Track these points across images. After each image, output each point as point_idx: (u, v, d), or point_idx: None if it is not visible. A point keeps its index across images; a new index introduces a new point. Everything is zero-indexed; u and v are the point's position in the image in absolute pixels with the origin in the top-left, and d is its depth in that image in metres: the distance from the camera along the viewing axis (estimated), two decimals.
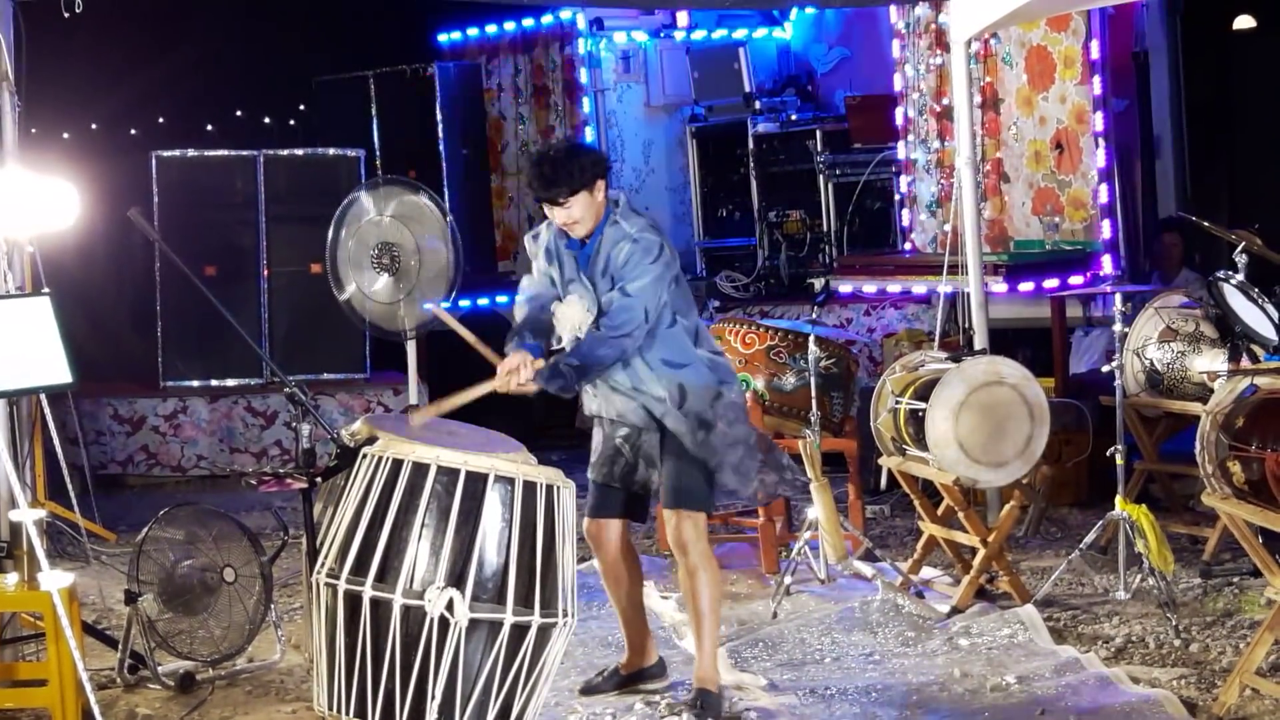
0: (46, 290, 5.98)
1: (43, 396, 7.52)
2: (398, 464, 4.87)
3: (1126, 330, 6.99)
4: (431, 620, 4.73)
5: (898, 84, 10.61)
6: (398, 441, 4.95)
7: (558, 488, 4.97)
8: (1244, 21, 9.97)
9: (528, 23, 12.29)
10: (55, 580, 5.32)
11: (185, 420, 10.62)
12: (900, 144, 10.64)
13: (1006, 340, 8.79)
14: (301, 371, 9.99)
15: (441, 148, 11.91)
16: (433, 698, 4.74)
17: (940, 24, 10.05)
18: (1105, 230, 9.47)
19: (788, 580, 6.93)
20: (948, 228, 8.80)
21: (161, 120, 12.37)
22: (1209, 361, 7.14)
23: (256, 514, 8.66)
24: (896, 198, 10.84)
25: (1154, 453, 7.64)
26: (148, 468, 10.60)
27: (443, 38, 12.95)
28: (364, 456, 4.96)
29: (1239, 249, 6.89)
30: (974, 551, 6.86)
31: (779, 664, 6.16)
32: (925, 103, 10.42)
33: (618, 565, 5.76)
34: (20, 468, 6.57)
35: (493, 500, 4.83)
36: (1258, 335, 6.81)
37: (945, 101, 10.07)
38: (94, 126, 12.08)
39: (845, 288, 10.48)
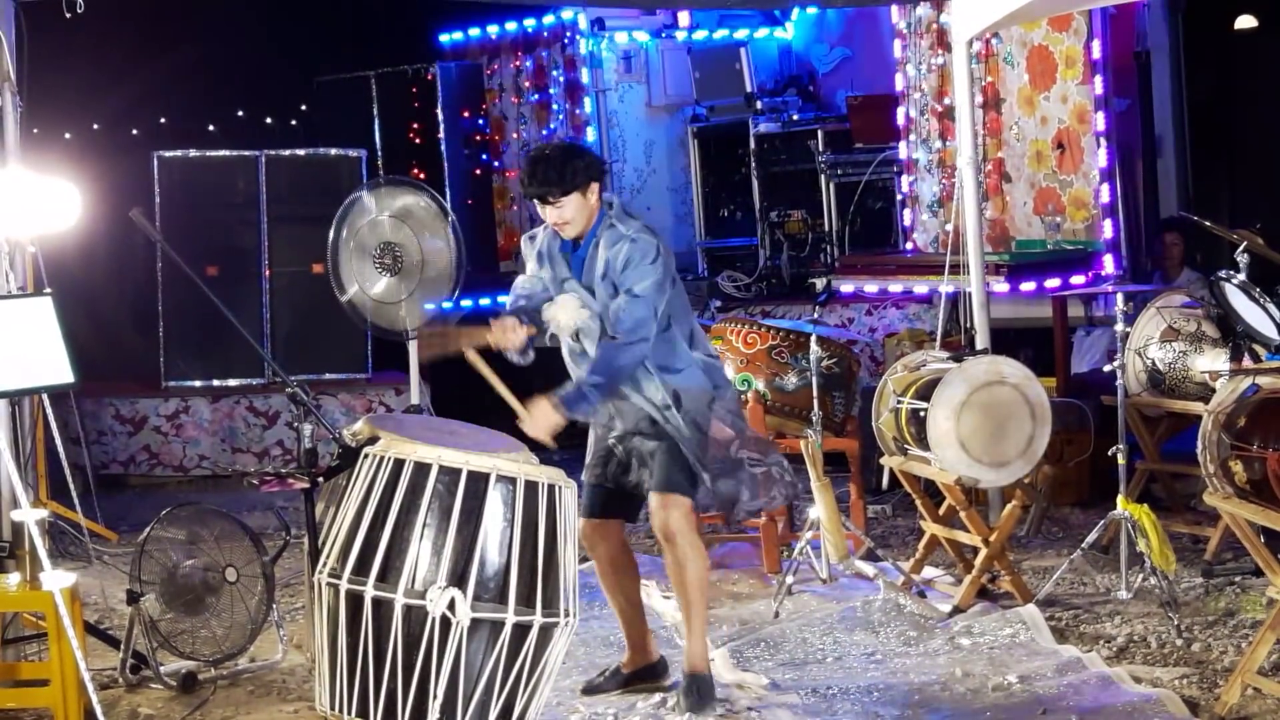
0: (48, 290, 5.98)
1: (45, 396, 7.52)
2: (399, 464, 4.87)
3: (1128, 330, 6.99)
4: (433, 620, 4.73)
5: (899, 84, 10.61)
6: (399, 441, 4.95)
7: (559, 487, 4.97)
8: (1245, 21, 9.97)
9: (529, 23, 12.30)
10: (57, 580, 5.33)
11: (187, 420, 10.63)
12: (902, 144, 10.64)
13: (1008, 340, 8.79)
14: (303, 371, 9.99)
15: (443, 148, 11.92)
16: (435, 697, 4.74)
17: (941, 24, 10.05)
18: (1107, 230, 9.47)
19: (790, 580, 6.93)
20: (949, 227, 8.79)
21: (163, 120, 12.38)
22: (1211, 361, 7.15)
23: (258, 514, 8.67)
24: (898, 197, 10.84)
25: (1156, 452, 7.64)
26: (150, 467, 10.61)
27: (444, 38, 12.96)
28: (366, 456, 4.96)
29: (1240, 248, 6.88)
30: (976, 551, 6.86)
31: (781, 663, 6.17)
32: (927, 102, 10.42)
33: (614, 565, 5.76)
34: (22, 467, 6.57)
35: (494, 500, 4.83)
36: (1259, 335, 6.81)
37: (947, 101, 10.07)
38: (96, 127, 12.09)
39: (847, 287, 10.48)
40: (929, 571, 7.35)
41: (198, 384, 10.74)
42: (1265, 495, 5.30)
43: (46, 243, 7.05)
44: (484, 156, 12.54)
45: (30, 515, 5.61)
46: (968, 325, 8.39)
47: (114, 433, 10.59)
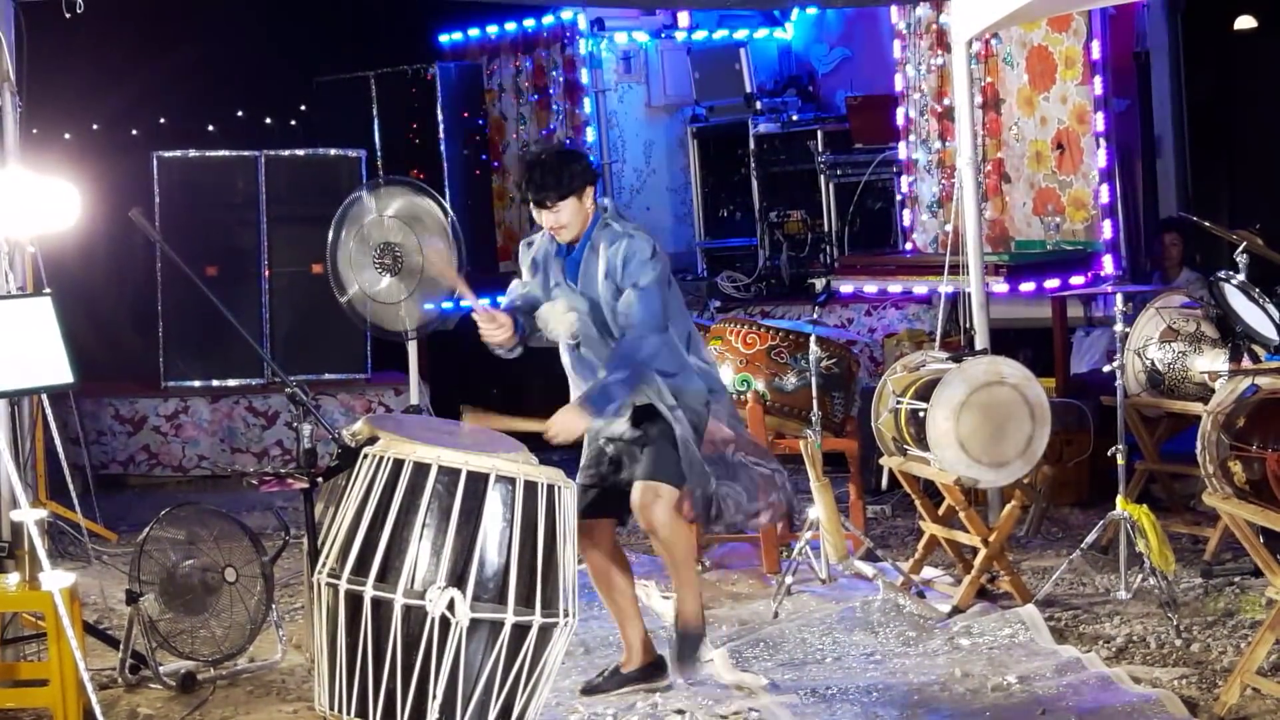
0: (48, 290, 5.98)
1: (44, 396, 7.52)
2: (399, 464, 4.87)
3: (1127, 330, 6.99)
4: (433, 620, 4.73)
5: (899, 84, 10.61)
6: (399, 442, 4.95)
7: (559, 488, 4.97)
8: (1245, 22, 9.97)
9: (529, 23, 12.29)
10: (57, 580, 5.32)
11: (186, 420, 10.63)
12: (901, 144, 10.64)
13: (1007, 340, 8.79)
14: (302, 371, 10.00)
15: (442, 148, 11.92)
16: (434, 698, 4.74)
17: (941, 24, 10.05)
18: (1106, 230, 9.47)
19: (789, 580, 6.93)
20: (949, 228, 8.79)
21: (163, 120, 12.38)
22: (1210, 361, 7.15)
23: (258, 514, 8.67)
24: (897, 198, 10.84)
25: (1155, 453, 7.64)
26: (149, 468, 10.62)
27: (444, 38, 12.95)
28: (365, 456, 4.96)
29: (1240, 249, 6.89)
30: (975, 551, 6.86)
31: (780, 664, 6.16)
32: (926, 103, 10.42)
33: (606, 566, 5.77)
34: (22, 468, 6.57)
35: (494, 500, 4.83)
36: (1259, 335, 6.81)
37: (946, 102, 10.07)
38: (95, 127, 12.09)
39: (846, 288, 10.48)
40: (928, 572, 7.35)
41: (197, 384, 10.74)
42: (1264, 495, 5.30)
43: (46, 243, 7.05)
44: (483, 156, 12.54)
45: (29, 515, 5.61)
46: (967, 326, 8.39)
47: (113, 433, 10.59)
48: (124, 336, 11.31)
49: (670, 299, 5.58)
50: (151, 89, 11.66)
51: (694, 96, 12.11)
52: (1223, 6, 10.03)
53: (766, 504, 5.73)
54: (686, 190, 12.34)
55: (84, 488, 8.32)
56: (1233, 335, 7.01)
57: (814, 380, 7.13)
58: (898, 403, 7.00)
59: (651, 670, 5.88)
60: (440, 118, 11.91)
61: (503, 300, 5.84)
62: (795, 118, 11.66)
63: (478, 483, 4.83)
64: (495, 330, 5.55)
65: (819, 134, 11.35)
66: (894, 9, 10.45)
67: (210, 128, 12.45)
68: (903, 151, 10.63)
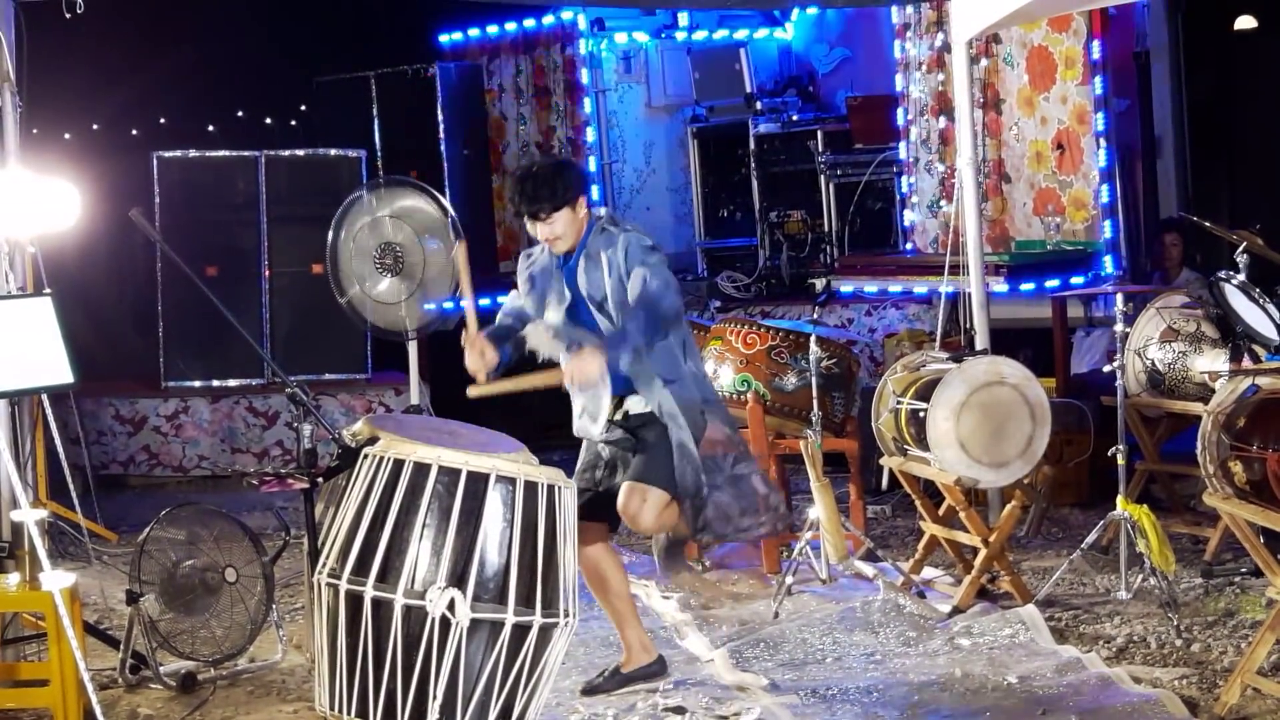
0: (48, 290, 5.98)
1: (44, 396, 7.52)
2: (399, 464, 4.87)
3: (1128, 330, 6.99)
4: (433, 620, 4.73)
5: (899, 84, 10.61)
6: (399, 442, 4.95)
7: (559, 488, 4.97)
8: (1245, 22, 9.97)
9: (529, 23, 12.30)
10: (57, 580, 5.33)
11: (187, 420, 10.63)
12: (901, 144, 10.64)
13: (1008, 340, 8.79)
14: (303, 372, 10.00)
15: (443, 148, 11.92)
16: (434, 698, 4.74)
17: (942, 24, 10.05)
18: (1106, 230, 9.47)
19: (789, 580, 6.93)
20: (949, 228, 8.79)
21: (163, 120, 12.37)
22: (1210, 362, 7.15)
23: (258, 514, 8.66)
24: (898, 198, 10.85)
25: (1155, 453, 7.64)
26: (149, 468, 10.62)
27: (444, 38, 12.95)
28: (365, 457, 4.96)
29: (1240, 249, 6.89)
30: (975, 551, 6.86)
31: (780, 664, 6.16)
32: (926, 103, 10.42)
33: (599, 569, 5.76)
34: (22, 468, 6.57)
35: (494, 500, 4.83)
36: (1259, 335, 6.81)
37: (946, 102, 10.07)
38: (95, 127, 12.08)
39: (846, 288, 10.49)
40: (928, 572, 7.35)
41: (197, 384, 10.74)
42: (1265, 496, 5.30)
43: (46, 243, 7.05)
44: (484, 156, 12.53)
45: (30, 515, 5.61)
46: (967, 326, 8.39)
47: (114, 433, 10.59)
48: (124, 336, 11.31)
49: None
50: (151, 89, 11.65)
51: (694, 96, 12.12)
52: (1223, 6, 10.03)
53: (756, 522, 5.73)
54: (686, 190, 12.35)
55: (84, 488, 8.32)
56: (1233, 335, 7.01)
57: (814, 380, 7.13)
58: (898, 403, 7.00)
59: (651, 670, 5.88)
60: (440, 118, 11.91)
61: (502, 306, 5.84)
62: (795, 118, 11.66)
63: (478, 483, 4.83)
64: (477, 363, 5.54)
65: (819, 134, 11.36)
66: (894, 9, 10.45)
67: (210, 128, 12.44)
68: (903, 151, 10.64)
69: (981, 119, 9.73)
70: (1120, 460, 6.74)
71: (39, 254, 7.06)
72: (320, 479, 5.33)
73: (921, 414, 6.78)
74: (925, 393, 6.81)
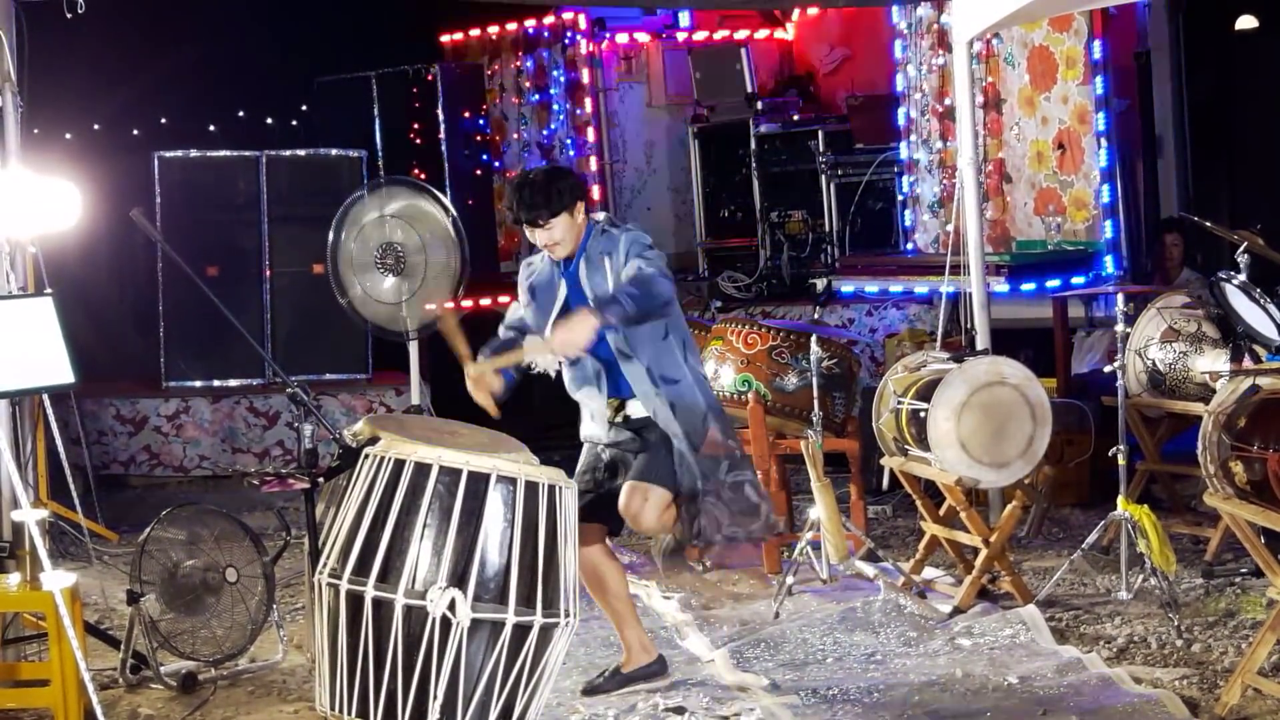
0: (49, 290, 5.99)
1: (45, 396, 7.52)
2: (400, 464, 4.87)
3: (1128, 330, 6.99)
4: (434, 620, 4.73)
5: (900, 84, 10.61)
6: (400, 442, 4.95)
7: (560, 488, 4.97)
8: (1246, 21, 9.96)
9: (529, 23, 12.30)
10: (58, 580, 5.32)
11: (187, 420, 10.63)
12: (902, 144, 10.65)
13: (1008, 340, 8.78)
14: (303, 372, 10.00)
15: (443, 148, 11.92)
16: (435, 698, 4.74)
17: (942, 24, 10.06)
18: (1107, 230, 9.47)
19: (790, 580, 6.93)
20: (950, 228, 8.79)
21: (164, 120, 12.37)
22: (1211, 362, 7.14)
23: (259, 514, 8.67)
24: (898, 198, 10.85)
25: (1156, 453, 7.64)
26: (150, 468, 10.62)
27: (445, 38, 12.96)
28: (366, 457, 4.96)
29: (1241, 249, 6.88)
30: (976, 552, 6.86)
31: (781, 664, 6.16)
32: (927, 103, 10.43)
33: (596, 570, 5.76)
34: (23, 468, 6.57)
35: (495, 500, 4.83)
36: (1260, 335, 6.81)
37: (947, 102, 10.07)
38: (96, 127, 12.08)
39: (847, 288, 10.49)
40: (929, 572, 7.35)
41: (198, 384, 10.74)
42: (1265, 496, 5.30)
43: (47, 243, 7.05)
44: (484, 157, 12.54)
45: (30, 515, 5.61)
46: (968, 326, 8.39)
47: (114, 433, 10.59)
48: (125, 336, 11.30)
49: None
50: (152, 89, 11.65)
51: (695, 96, 12.11)
52: (1223, 6, 10.02)
53: (745, 530, 5.71)
54: (687, 190, 12.35)
55: (85, 488, 8.32)
56: (1234, 335, 7.01)
57: (815, 380, 7.12)
58: (899, 403, 7.00)
59: (652, 670, 5.88)
60: (441, 118, 11.92)
61: (503, 319, 5.86)
62: (796, 118, 11.66)
63: (479, 483, 4.83)
64: (486, 400, 5.56)
65: (820, 134, 11.36)
66: (894, 9, 10.45)
67: (211, 128, 12.44)
68: (904, 151, 10.64)
69: (982, 119, 9.74)
70: (1121, 460, 6.74)
71: (40, 254, 7.06)
72: (321, 479, 5.33)
73: (922, 414, 6.78)
74: (926, 393, 6.81)
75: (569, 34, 12.05)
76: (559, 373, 5.71)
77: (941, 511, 7.11)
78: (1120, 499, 6.69)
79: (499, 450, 5.02)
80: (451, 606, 4.72)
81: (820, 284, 10.46)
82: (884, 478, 8.21)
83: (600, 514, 5.70)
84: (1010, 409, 6.71)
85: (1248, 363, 6.82)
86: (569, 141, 12.10)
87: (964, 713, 5.52)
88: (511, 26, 12.46)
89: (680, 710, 5.59)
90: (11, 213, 6.27)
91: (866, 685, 5.81)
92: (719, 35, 12.29)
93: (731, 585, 7.34)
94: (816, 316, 7.40)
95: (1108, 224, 9.46)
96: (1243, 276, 6.84)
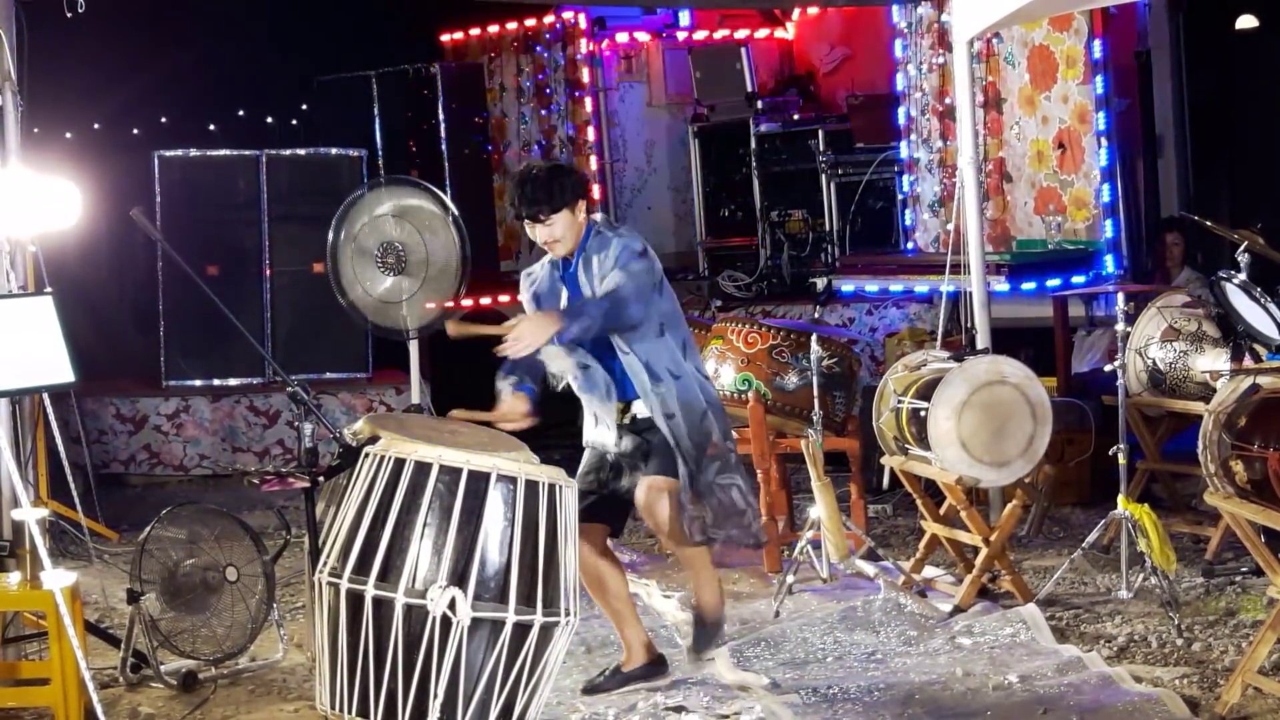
0: (49, 289, 5.98)
1: (45, 395, 7.52)
2: (400, 463, 4.87)
3: (1129, 330, 6.99)
4: (434, 619, 4.73)
5: (900, 84, 10.61)
6: (400, 441, 4.95)
7: (560, 487, 4.97)
8: (1246, 21, 9.96)
9: (530, 22, 12.30)
10: (58, 579, 5.33)
11: (188, 419, 10.63)
12: (902, 143, 10.64)
13: (1009, 339, 8.78)
14: (304, 371, 9.99)
15: (443, 148, 11.91)
16: (435, 697, 4.74)
17: (942, 23, 10.06)
18: (1107, 229, 9.47)
19: (790, 579, 6.93)
20: (950, 227, 8.79)
21: (164, 120, 12.37)
22: (1211, 361, 7.14)
23: (259, 513, 8.66)
24: (899, 197, 10.84)
25: (1156, 452, 7.64)
26: (150, 467, 10.61)
27: (445, 37, 12.95)
28: (366, 456, 4.97)
29: (1241, 248, 6.88)
30: (976, 551, 6.86)
31: (781, 663, 6.16)
32: (927, 102, 10.43)
33: (596, 570, 5.75)
34: (23, 467, 6.56)
35: (495, 499, 4.83)
36: (1260, 334, 6.80)
37: (948, 101, 10.07)
38: (96, 126, 12.08)
39: (847, 287, 10.49)
40: (929, 571, 7.35)
41: (198, 383, 10.74)
42: (1266, 495, 5.30)
43: (47, 242, 7.05)
44: (485, 156, 12.53)
45: (31, 514, 5.61)
46: (968, 325, 8.39)
47: (114, 432, 10.59)
48: (125, 336, 11.30)
49: (665, 304, 5.58)
50: (152, 88, 11.65)
51: (695, 96, 12.11)
52: (1224, 6, 10.02)
53: (725, 535, 5.69)
54: (688, 189, 12.34)
55: (85, 487, 8.31)
56: (1234, 334, 7.01)
57: (815, 379, 7.12)
58: (899, 402, 7.00)
59: (652, 669, 5.88)
60: (442, 117, 11.90)
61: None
62: (796, 117, 11.66)
63: (479, 482, 4.83)
64: (516, 417, 5.57)
65: (820, 133, 11.35)
66: (895, 8, 10.45)
67: (211, 127, 12.43)
68: (904, 151, 10.64)
69: (983, 118, 9.73)
70: (1121, 459, 6.74)
71: (40, 253, 7.06)
72: (321, 478, 5.33)
73: (923, 413, 6.78)
74: (926, 392, 6.81)
75: (569, 33, 12.05)
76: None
77: (942, 510, 7.11)
78: (1121, 498, 6.69)
79: (499, 449, 5.02)
80: (452, 605, 4.73)
81: (820, 283, 10.46)
82: (884, 477, 8.20)
83: (602, 514, 5.70)
84: (1011, 408, 6.71)
85: (1248, 362, 6.82)
86: (569, 141, 12.10)
87: (964, 711, 5.52)
88: (512, 26, 12.46)
89: (680, 709, 5.59)
90: (11, 212, 6.27)
91: (867, 684, 5.81)
92: (719, 34, 12.29)
93: (731, 584, 7.33)
94: (817, 316, 7.40)
95: (1108, 223, 9.46)
96: (1243, 275, 6.84)
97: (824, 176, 11.24)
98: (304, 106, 12.63)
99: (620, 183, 12.21)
